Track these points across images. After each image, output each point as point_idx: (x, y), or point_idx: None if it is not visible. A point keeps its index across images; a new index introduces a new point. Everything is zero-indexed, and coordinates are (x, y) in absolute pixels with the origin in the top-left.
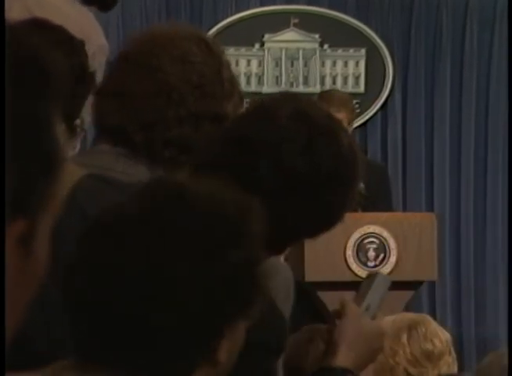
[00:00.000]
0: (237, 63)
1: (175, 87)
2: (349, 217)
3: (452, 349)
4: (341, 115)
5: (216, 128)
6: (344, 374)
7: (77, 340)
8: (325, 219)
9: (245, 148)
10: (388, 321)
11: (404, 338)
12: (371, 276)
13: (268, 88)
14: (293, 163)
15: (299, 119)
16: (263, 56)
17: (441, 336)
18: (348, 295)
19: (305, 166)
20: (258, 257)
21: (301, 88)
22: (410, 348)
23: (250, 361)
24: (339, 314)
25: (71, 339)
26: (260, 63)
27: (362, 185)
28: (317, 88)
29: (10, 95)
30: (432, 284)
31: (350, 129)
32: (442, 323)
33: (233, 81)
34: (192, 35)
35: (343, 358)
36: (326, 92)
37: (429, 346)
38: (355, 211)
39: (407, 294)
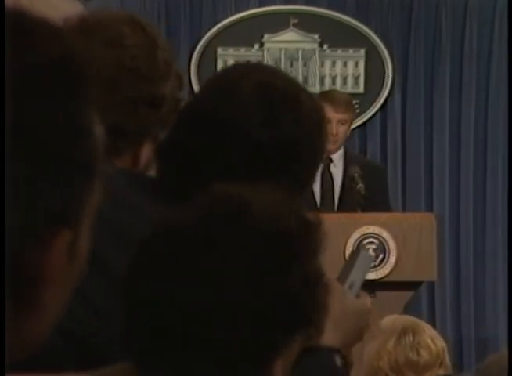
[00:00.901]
0: None
1: (108, 72)
2: (348, 217)
3: (446, 360)
4: (348, 116)
5: (154, 112)
6: (330, 352)
7: (133, 344)
8: (295, 187)
9: (207, 125)
10: (389, 321)
11: (391, 343)
12: (353, 254)
13: None
14: (257, 136)
15: (261, 91)
16: (262, 56)
17: (431, 347)
18: None
19: (270, 137)
20: (319, 274)
21: None
22: (395, 355)
23: None
24: None
25: (127, 342)
26: None
27: (361, 185)
28: (317, 89)
29: (45, 98)
30: (432, 285)
31: (349, 130)
32: (442, 324)
33: (169, 62)
34: (125, 18)
35: (329, 337)
36: (328, 92)
37: (414, 356)
38: (355, 211)
39: (406, 295)
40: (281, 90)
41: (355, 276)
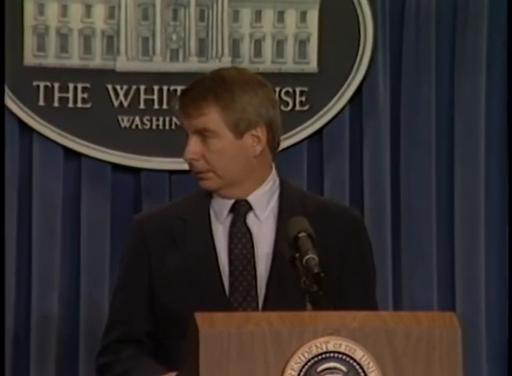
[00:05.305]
0: (65, 13)
1: None
2: (288, 319)
3: None
4: (206, 120)
5: None
6: None
7: None
8: None
9: None
10: None
11: None
12: None
13: (127, 61)
14: None
15: None
16: None
17: None
18: None
19: None
20: None
21: (194, 63)
22: None
23: None
24: None
25: None
26: (112, 13)
27: (313, 256)
28: (224, 63)
29: None
30: None
31: (256, 149)
32: None
33: None
34: None
35: None
36: (201, 80)
37: None
38: (300, 308)
39: None
40: None
41: None
